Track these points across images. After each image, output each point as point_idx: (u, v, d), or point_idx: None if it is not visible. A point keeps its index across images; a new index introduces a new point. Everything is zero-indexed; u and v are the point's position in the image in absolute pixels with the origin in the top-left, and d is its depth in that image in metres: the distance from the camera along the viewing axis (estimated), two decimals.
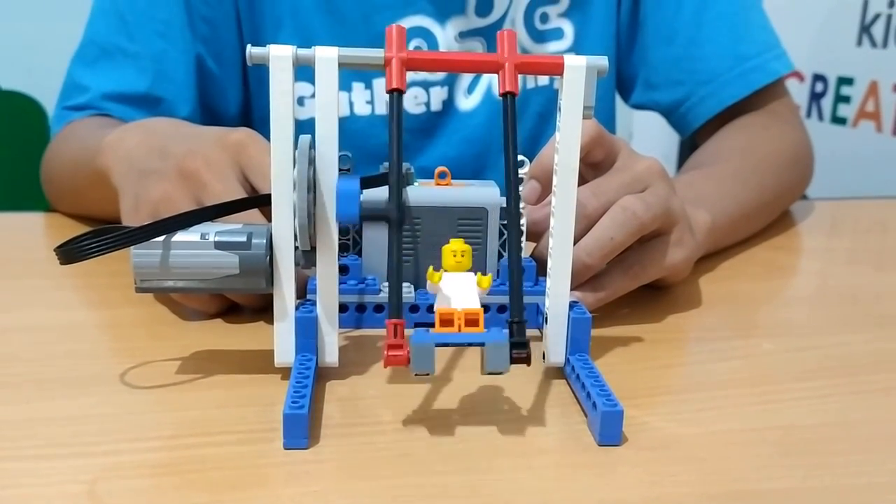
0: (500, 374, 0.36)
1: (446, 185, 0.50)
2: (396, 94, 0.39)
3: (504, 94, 0.40)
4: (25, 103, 1.43)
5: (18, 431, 0.37)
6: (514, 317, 0.37)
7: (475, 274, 0.38)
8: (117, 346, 0.48)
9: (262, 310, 0.52)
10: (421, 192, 0.49)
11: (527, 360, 0.37)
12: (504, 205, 0.49)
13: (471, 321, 0.36)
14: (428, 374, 0.36)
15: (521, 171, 0.49)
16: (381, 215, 0.38)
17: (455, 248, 0.38)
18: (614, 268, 0.50)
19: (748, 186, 0.70)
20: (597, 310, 0.43)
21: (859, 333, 0.52)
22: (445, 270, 0.38)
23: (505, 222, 0.50)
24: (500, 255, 0.51)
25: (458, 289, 0.37)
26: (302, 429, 0.36)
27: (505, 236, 0.50)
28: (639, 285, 0.52)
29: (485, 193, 0.49)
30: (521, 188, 0.47)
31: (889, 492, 0.35)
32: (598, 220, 0.48)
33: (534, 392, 0.42)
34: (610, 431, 0.37)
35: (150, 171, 0.51)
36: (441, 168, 0.50)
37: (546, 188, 0.49)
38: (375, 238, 0.49)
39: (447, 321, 0.36)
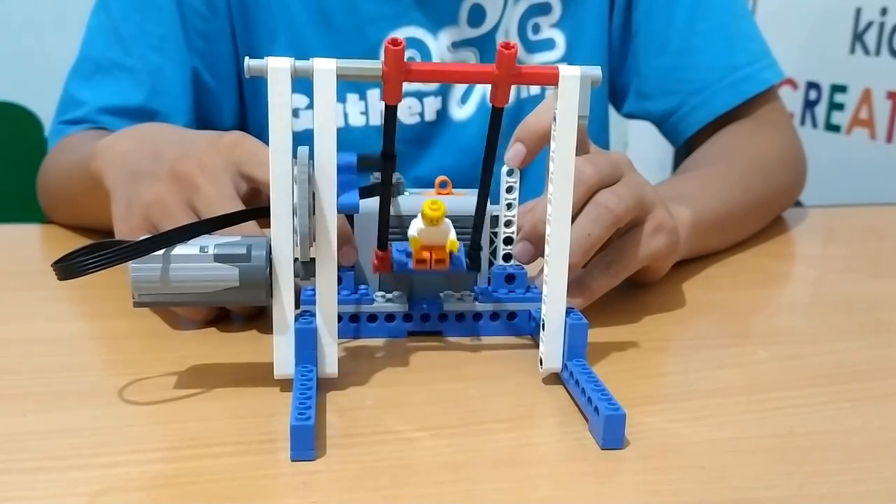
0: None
1: (447, 194, 0.50)
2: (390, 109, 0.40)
3: (494, 107, 0.40)
4: (22, 115, 1.43)
5: (15, 444, 0.37)
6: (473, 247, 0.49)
7: (448, 222, 0.44)
8: (114, 358, 0.48)
9: (253, 317, 0.52)
10: (412, 202, 0.49)
11: (478, 268, 0.50)
12: (494, 213, 0.50)
13: (439, 261, 0.45)
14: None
15: (511, 180, 0.49)
16: (375, 159, 0.44)
17: (431, 209, 0.43)
18: (595, 267, 0.51)
19: (733, 186, 0.70)
20: (588, 316, 0.44)
21: (855, 340, 0.52)
22: (423, 219, 0.44)
23: (495, 230, 0.50)
24: (490, 263, 0.51)
25: (432, 237, 0.45)
26: (309, 440, 0.36)
27: (495, 244, 0.50)
28: (622, 279, 0.52)
29: (474, 202, 0.50)
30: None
31: (886, 499, 0.35)
32: (578, 210, 0.49)
33: (532, 399, 0.42)
34: (613, 436, 0.38)
35: (143, 174, 0.52)
36: (442, 178, 0.50)
37: (531, 151, 0.49)
38: (368, 245, 0.49)
39: (422, 261, 0.45)
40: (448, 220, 0.44)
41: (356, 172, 0.44)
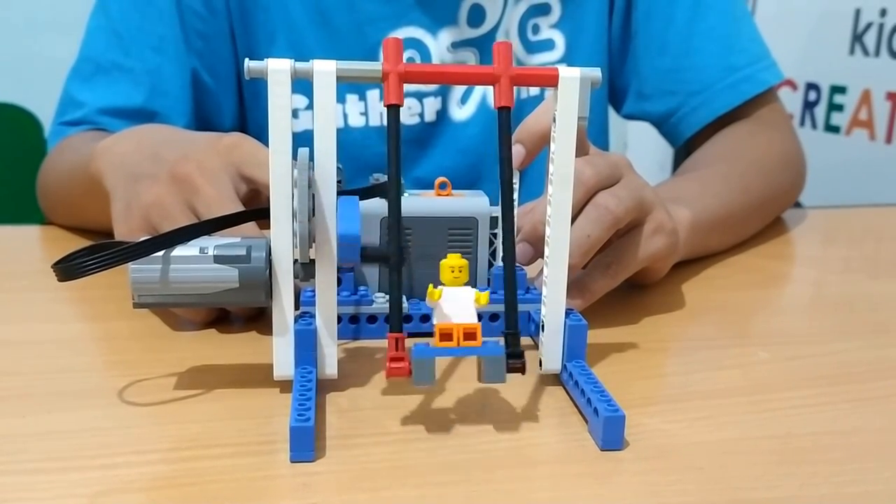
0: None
1: (447, 195, 0.50)
2: (394, 109, 0.39)
3: (500, 109, 0.40)
4: (21, 116, 1.43)
5: (15, 445, 0.37)
6: (510, 328, 0.39)
7: (472, 289, 0.39)
8: (113, 359, 0.48)
9: (253, 318, 0.52)
10: (412, 203, 0.49)
11: (521, 370, 0.39)
12: (494, 214, 0.50)
13: (469, 335, 0.38)
14: (429, 386, 0.37)
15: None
16: (380, 255, 0.40)
17: (453, 265, 0.39)
18: (594, 268, 0.51)
19: (732, 187, 0.70)
20: (588, 317, 0.44)
21: (854, 341, 0.52)
22: (443, 285, 0.39)
23: (495, 231, 0.50)
24: (490, 265, 0.51)
25: (457, 304, 0.39)
26: (308, 441, 0.36)
27: (494, 245, 0.51)
28: (621, 281, 0.52)
29: (475, 203, 0.50)
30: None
31: (886, 500, 0.35)
32: (578, 211, 0.49)
33: (531, 400, 0.42)
34: (612, 437, 0.38)
35: (143, 175, 0.52)
36: (441, 179, 0.50)
37: (531, 153, 0.49)
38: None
39: (447, 336, 0.38)
40: (471, 288, 0.39)
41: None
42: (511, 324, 0.39)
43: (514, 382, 0.44)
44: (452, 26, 0.81)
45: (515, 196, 0.49)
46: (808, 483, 0.35)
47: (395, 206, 0.39)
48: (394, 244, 0.39)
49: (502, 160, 0.40)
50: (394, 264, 0.39)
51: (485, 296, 0.39)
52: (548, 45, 0.85)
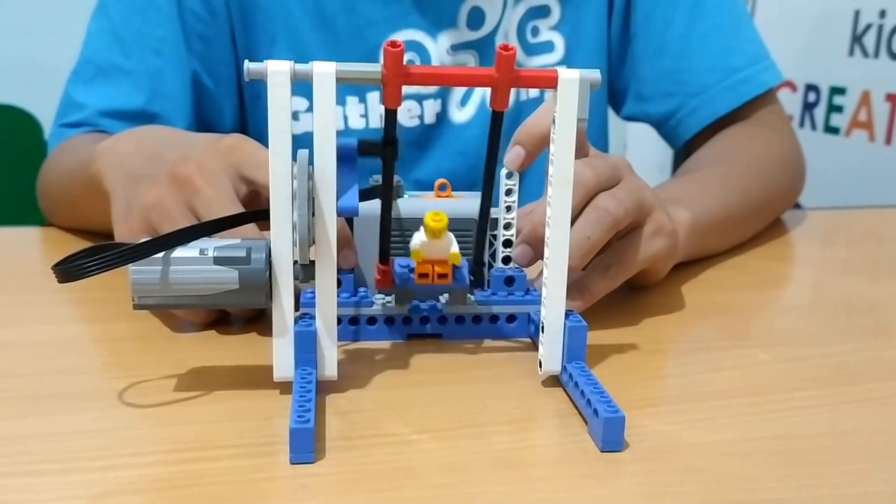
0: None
1: (446, 196, 0.50)
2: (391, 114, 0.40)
3: (494, 112, 0.40)
4: (21, 118, 1.44)
5: (14, 447, 0.37)
6: (477, 263, 0.49)
7: (451, 234, 0.44)
8: (113, 361, 0.48)
9: (253, 320, 0.52)
10: (412, 204, 0.49)
11: (480, 285, 0.50)
12: (494, 216, 0.50)
13: (442, 275, 0.45)
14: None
15: (511, 182, 0.49)
16: (376, 145, 0.43)
17: (432, 215, 0.43)
18: (594, 270, 0.51)
19: (731, 189, 0.70)
20: (587, 318, 0.44)
21: (854, 343, 0.52)
22: (427, 233, 0.43)
23: (494, 233, 0.50)
24: (489, 266, 0.51)
25: (434, 250, 0.44)
26: (308, 443, 0.36)
27: (494, 247, 0.51)
28: (621, 282, 0.52)
29: (474, 205, 0.50)
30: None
31: (885, 501, 0.35)
32: (578, 213, 0.49)
33: (531, 401, 0.42)
34: (612, 438, 0.38)
35: (143, 176, 0.52)
36: (441, 180, 0.50)
37: (531, 154, 0.50)
38: (368, 248, 0.49)
39: (424, 276, 0.45)
40: (450, 234, 0.44)
41: (357, 159, 0.43)
42: (477, 260, 0.49)
43: (514, 384, 0.44)
44: (452, 29, 0.81)
45: (515, 198, 0.49)
46: (808, 484, 0.35)
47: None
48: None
49: (488, 159, 0.43)
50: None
51: (458, 256, 0.44)
52: (547, 47, 0.85)
